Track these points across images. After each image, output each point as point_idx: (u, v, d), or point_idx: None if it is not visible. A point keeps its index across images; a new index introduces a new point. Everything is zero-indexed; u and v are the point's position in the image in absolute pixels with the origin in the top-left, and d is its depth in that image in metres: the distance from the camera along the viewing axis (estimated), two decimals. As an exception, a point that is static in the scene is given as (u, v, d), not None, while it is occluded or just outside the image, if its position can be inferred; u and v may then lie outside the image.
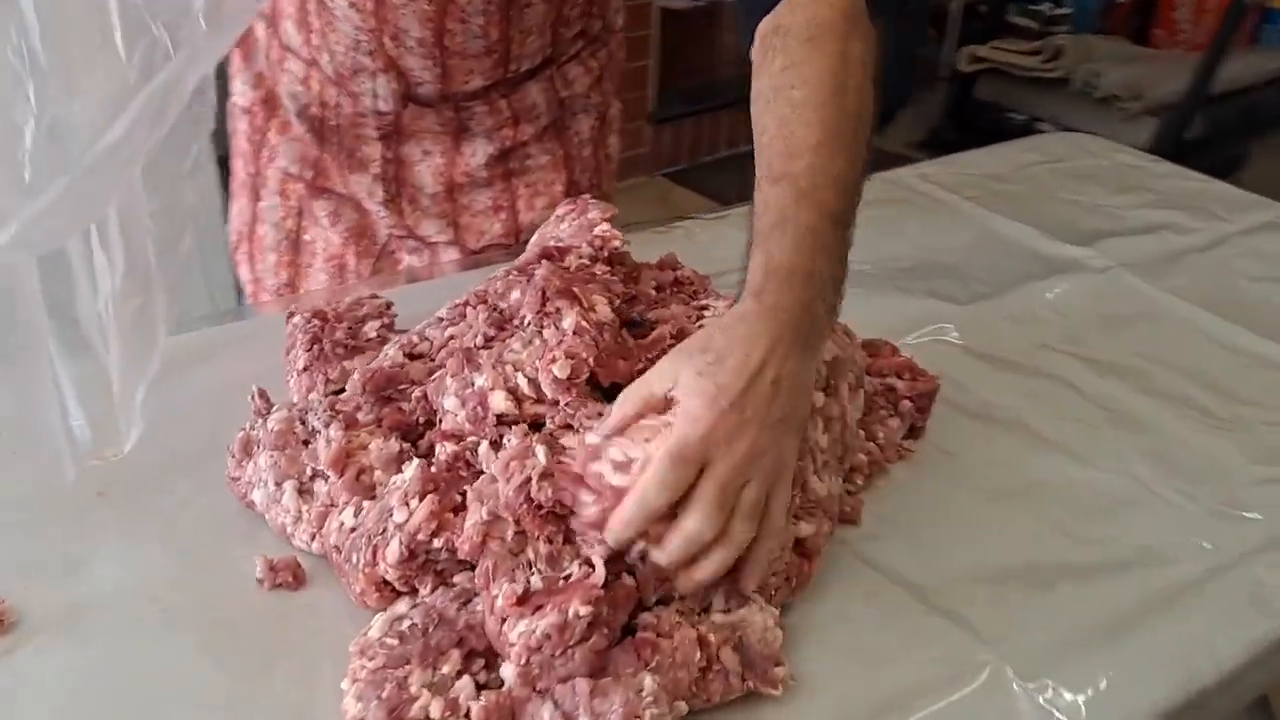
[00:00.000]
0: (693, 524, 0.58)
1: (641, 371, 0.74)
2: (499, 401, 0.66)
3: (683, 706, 0.57)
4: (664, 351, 0.78)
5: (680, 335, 0.77)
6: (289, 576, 0.66)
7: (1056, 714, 0.60)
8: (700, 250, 1.13)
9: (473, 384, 0.67)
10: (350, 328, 0.81)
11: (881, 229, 1.13)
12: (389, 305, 0.86)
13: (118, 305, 0.66)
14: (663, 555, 0.59)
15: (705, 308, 0.78)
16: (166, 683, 0.60)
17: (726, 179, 3.40)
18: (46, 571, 0.66)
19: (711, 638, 0.60)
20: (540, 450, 0.61)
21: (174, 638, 0.62)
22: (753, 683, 0.60)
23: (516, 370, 0.66)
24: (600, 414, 0.67)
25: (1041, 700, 0.61)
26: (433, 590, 0.62)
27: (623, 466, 0.59)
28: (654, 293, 0.83)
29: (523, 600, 0.58)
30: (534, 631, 0.56)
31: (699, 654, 0.59)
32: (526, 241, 1.01)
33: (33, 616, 0.63)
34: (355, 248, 1.06)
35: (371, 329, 0.82)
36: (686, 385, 0.60)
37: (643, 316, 0.81)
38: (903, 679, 0.62)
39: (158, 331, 0.68)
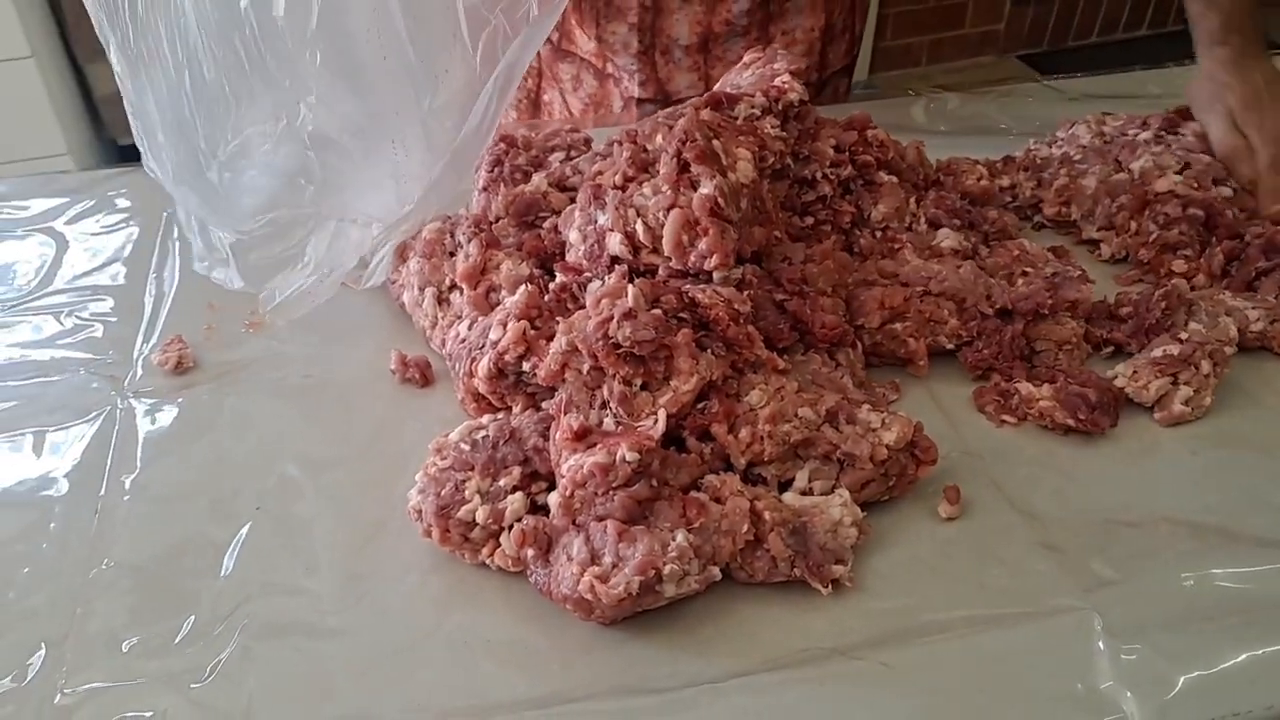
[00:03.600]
0: None
1: (778, 238, 0.70)
2: (614, 243, 0.65)
3: (715, 571, 0.55)
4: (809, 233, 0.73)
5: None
6: (418, 374, 0.71)
7: (1137, 678, 0.52)
8: (938, 119, 1.04)
9: (595, 221, 0.66)
10: (536, 156, 0.83)
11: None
12: (588, 141, 0.87)
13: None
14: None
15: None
16: (285, 436, 0.67)
17: (1086, 71, 3.02)
18: (221, 333, 0.75)
19: (767, 515, 0.57)
20: (631, 291, 0.60)
21: (306, 403, 0.70)
22: (801, 572, 0.57)
23: (639, 216, 0.64)
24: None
25: (1124, 659, 0.53)
26: (523, 411, 0.64)
27: None
28: (833, 152, 0.77)
29: (580, 435, 0.58)
30: (581, 467, 0.56)
31: (747, 526, 0.56)
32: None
33: (206, 365, 0.73)
34: (593, 115, 1.07)
35: (556, 159, 0.83)
36: (1223, 126, 0.88)
37: (814, 176, 0.77)
38: (972, 606, 0.56)
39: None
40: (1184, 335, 0.70)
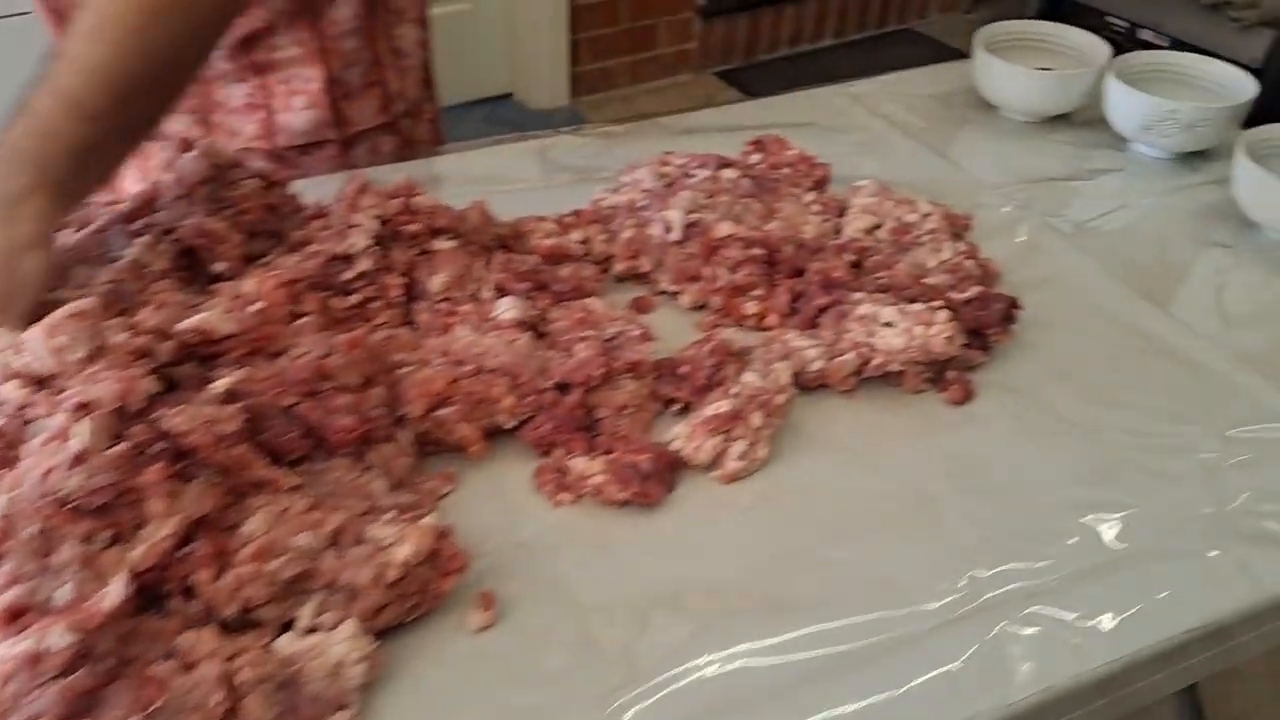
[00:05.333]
0: None
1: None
2: (10, 391, 0.57)
3: (181, 757, 0.48)
4: None
5: None
6: None
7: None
8: (555, 169, 1.01)
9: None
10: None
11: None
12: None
13: None
14: None
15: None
16: None
17: (782, 82, 3.16)
18: None
19: (246, 674, 0.50)
20: (83, 429, 0.52)
21: None
22: (289, 731, 0.50)
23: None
24: None
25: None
26: (-26, 585, 0.54)
27: None
28: (376, 224, 0.73)
29: (14, 615, 0.49)
30: (5, 659, 0.47)
31: (221, 695, 0.49)
32: (284, 147, 0.91)
33: None
34: None
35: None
36: None
37: (351, 251, 0.72)
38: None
39: None
40: (735, 389, 0.68)
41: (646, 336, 0.73)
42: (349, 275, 0.73)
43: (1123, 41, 2.92)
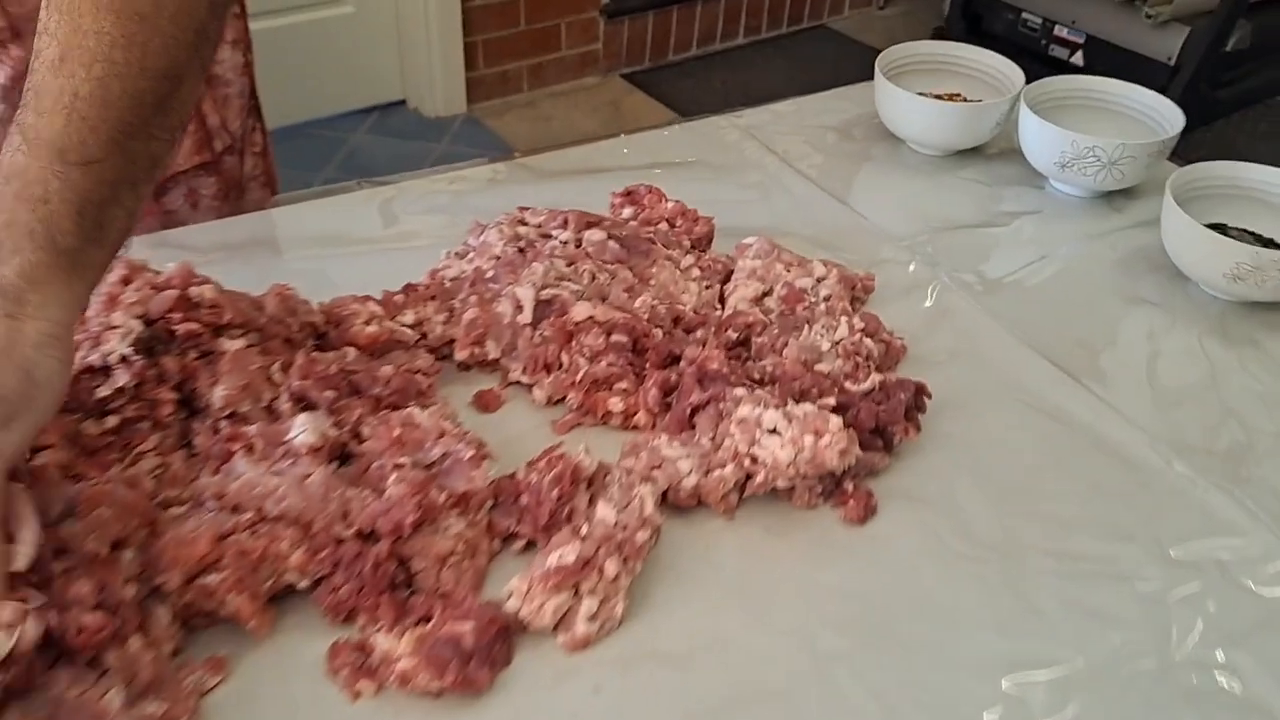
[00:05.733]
0: None
1: None
2: None
3: None
4: None
5: None
6: None
7: None
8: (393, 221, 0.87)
9: None
10: None
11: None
12: None
13: None
14: None
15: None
16: None
17: (692, 84, 3.04)
18: None
19: None
20: None
21: None
22: None
23: None
24: None
25: None
26: None
27: None
28: (138, 325, 0.59)
29: None
30: None
31: None
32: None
33: None
34: None
35: None
36: None
37: (106, 361, 0.57)
38: None
39: None
40: (585, 528, 0.56)
41: (481, 457, 0.59)
42: (105, 393, 0.58)
43: (1039, 38, 2.86)
